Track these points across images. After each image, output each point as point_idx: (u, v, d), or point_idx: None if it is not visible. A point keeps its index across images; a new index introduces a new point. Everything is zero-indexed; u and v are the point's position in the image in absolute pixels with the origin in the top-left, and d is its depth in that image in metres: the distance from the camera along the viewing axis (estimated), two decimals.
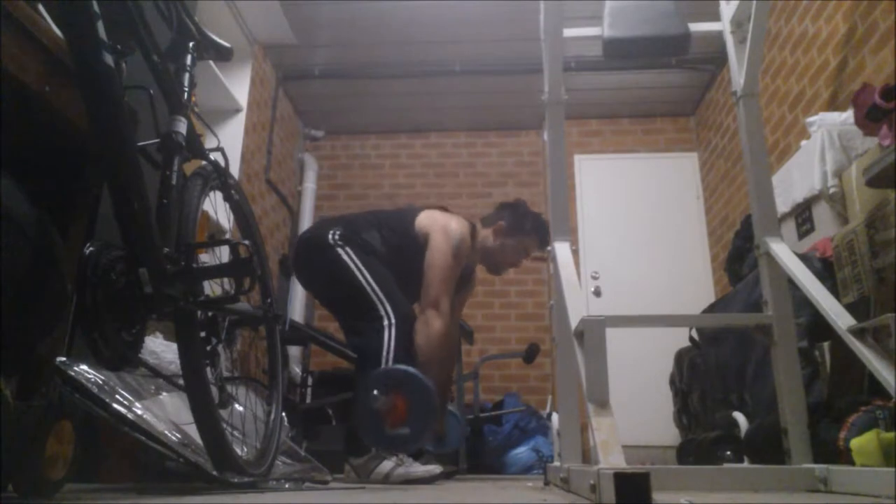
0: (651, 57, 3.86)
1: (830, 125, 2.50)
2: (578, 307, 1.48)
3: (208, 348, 1.42)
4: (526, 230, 2.59)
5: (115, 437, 1.73)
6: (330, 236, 2.39)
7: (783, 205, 2.65)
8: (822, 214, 2.44)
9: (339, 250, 2.35)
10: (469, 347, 3.92)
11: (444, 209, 2.57)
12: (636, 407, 4.07)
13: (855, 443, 1.47)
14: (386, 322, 2.24)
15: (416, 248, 2.40)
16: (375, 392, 1.89)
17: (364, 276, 2.30)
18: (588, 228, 4.98)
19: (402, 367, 2.02)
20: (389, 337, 2.22)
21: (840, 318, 1.45)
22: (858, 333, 1.39)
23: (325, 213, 5.24)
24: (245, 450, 1.63)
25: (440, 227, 2.40)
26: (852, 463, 1.47)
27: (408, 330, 2.26)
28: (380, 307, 2.27)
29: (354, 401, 2.00)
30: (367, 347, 2.24)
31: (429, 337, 2.25)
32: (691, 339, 3.10)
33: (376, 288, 2.29)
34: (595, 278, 4.84)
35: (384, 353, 2.20)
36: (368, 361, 2.20)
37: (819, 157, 2.43)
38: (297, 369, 4.22)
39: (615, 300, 4.70)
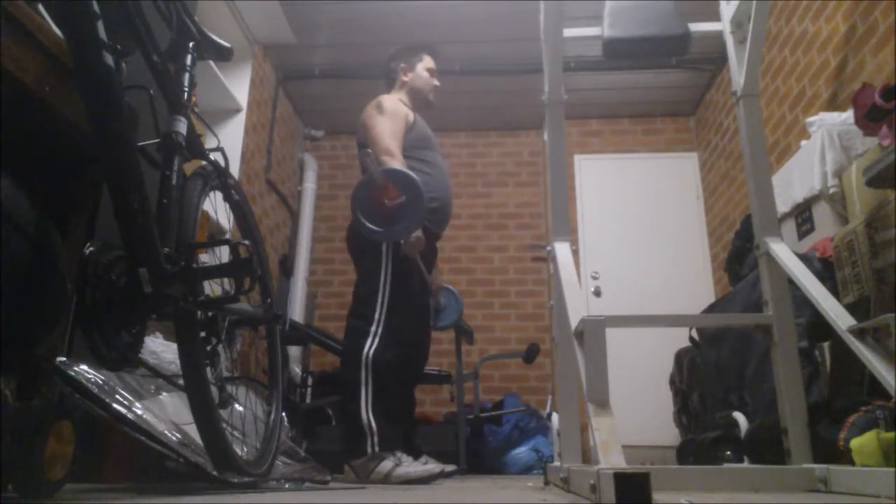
0: (651, 57, 3.86)
1: (830, 125, 2.50)
2: (578, 307, 1.48)
3: (208, 348, 1.42)
4: (415, 55, 2.79)
5: (115, 437, 1.73)
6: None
7: (783, 205, 2.65)
8: (822, 214, 2.44)
9: (385, 250, 2.37)
10: (469, 347, 3.93)
11: None
12: (636, 407, 4.07)
13: (855, 443, 1.47)
14: (373, 328, 2.29)
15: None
16: (375, 174, 2.15)
17: (386, 279, 2.34)
18: (588, 228, 4.98)
19: (391, 167, 2.26)
20: (371, 343, 2.27)
21: (840, 318, 1.45)
22: (858, 333, 1.39)
23: (325, 213, 5.25)
24: (245, 450, 1.63)
25: (364, 113, 2.58)
26: (852, 463, 1.47)
27: (388, 343, 2.29)
28: (377, 311, 2.30)
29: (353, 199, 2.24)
30: (351, 351, 2.32)
31: None
32: (691, 339, 3.10)
33: (387, 295, 2.32)
34: (595, 278, 4.84)
35: (363, 360, 2.25)
36: (350, 364, 2.30)
37: (819, 157, 2.43)
38: (297, 369, 4.22)
39: (615, 300, 4.70)
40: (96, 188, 1.35)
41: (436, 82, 2.79)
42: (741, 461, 2.15)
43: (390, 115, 2.52)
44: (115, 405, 1.28)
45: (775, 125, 3.61)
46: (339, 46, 4.46)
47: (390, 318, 2.31)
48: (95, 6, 1.08)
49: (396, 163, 2.34)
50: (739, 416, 2.31)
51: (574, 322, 1.40)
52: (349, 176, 5.38)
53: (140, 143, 1.27)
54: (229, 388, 1.51)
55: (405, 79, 2.76)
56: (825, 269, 2.10)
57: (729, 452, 2.24)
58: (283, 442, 2.02)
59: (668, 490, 1.33)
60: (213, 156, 1.57)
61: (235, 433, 1.67)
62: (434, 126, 2.78)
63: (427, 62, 2.78)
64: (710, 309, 3.09)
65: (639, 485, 0.83)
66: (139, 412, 1.34)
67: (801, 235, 2.60)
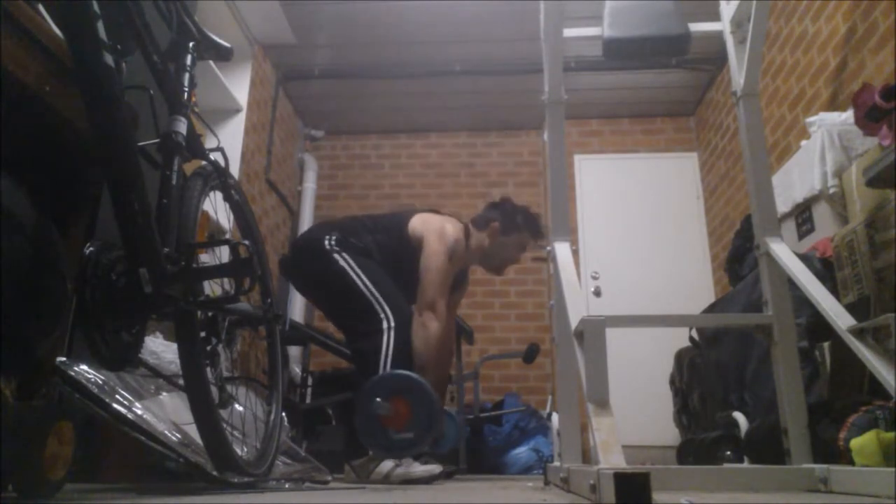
0: (651, 57, 3.86)
1: (830, 125, 2.50)
2: (578, 307, 1.48)
3: (208, 348, 1.42)
4: (519, 226, 2.59)
5: (115, 437, 1.73)
6: (326, 242, 2.38)
7: (783, 205, 2.65)
8: (822, 214, 2.44)
9: (336, 256, 2.34)
10: (469, 347, 3.93)
11: (435, 212, 2.58)
12: (636, 407, 4.07)
13: (855, 443, 1.47)
14: (385, 325, 2.25)
15: (411, 251, 2.40)
16: (378, 399, 1.90)
17: (362, 280, 2.31)
18: (588, 228, 4.98)
19: (403, 372, 2.04)
20: (388, 340, 2.24)
21: (840, 318, 1.45)
22: (858, 333, 1.39)
23: (325, 213, 5.25)
24: (245, 450, 1.63)
25: (434, 230, 2.40)
26: (852, 463, 1.47)
27: (407, 332, 2.26)
28: (379, 311, 2.27)
29: (355, 405, 2.02)
30: (367, 351, 2.25)
31: (426, 339, 2.25)
32: (691, 339, 3.10)
33: (374, 291, 2.29)
34: (595, 278, 4.84)
35: (382, 357, 2.22)
36: (368, 365, 2.22)
37: (819, 157, 2.43)
38: (297, 369, 4.22)
39: (615, 300, 4.70)
40: (96, 188, 1.35)
41: (518, 261, 2.66)
42: (741, 461, 2.15)
43: (453, 262, 2.39)
44: (115, 405, 1.28)
45: (775, 125, 3.61)
46: (339, 46, 4.46)
47: (395, 311, 2.28)
48: (95, 6, 1.08)
49: (436, 325, 2.25)
50: (739, 416, 2.31)
51: (574, 322, 1.40)
52: (349, 176, 5.39)
53: (140, 143, 1.27)
54: (229, 388, 1.50)
55: (491, 237, 2.55)
56: (825, 269, 2.10)
57: (729, 452, 2.24)
58: (283, 442, 2.02)
59: (668, 490, 1.33)
60: (213, 156, 1.56)
61: (235, 433, 1.67)
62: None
63: (525, 241, 2.61)
64: (710, 309, 3.09)
65: (639, 485, 0.83)
66: (139, 412, 1.34)
67: (801, 235, 2.60)
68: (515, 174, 5.32)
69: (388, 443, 1.93)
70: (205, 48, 1.59)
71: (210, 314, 1.45)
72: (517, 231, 2.59)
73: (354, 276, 2.31)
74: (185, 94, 1.46)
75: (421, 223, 2.45)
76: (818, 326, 1.95)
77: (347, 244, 2.38)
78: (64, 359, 1.22)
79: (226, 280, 1.38)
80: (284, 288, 4.63)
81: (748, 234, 2.62)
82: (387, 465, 2.15)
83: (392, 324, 2.25)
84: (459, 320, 3.26)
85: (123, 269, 1.17)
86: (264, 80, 4.50)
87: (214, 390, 1.40)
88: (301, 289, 2.70)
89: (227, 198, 1.72)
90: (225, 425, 1.43)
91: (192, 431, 1.40)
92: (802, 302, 1.79)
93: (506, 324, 4.96)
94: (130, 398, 1.36)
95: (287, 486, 1.64)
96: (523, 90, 4.66)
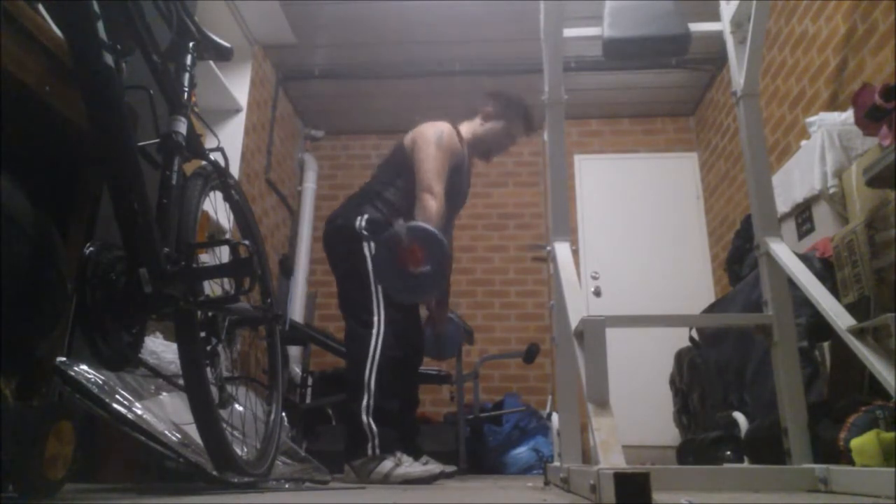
0: (651, 57, 3.86)
1: (830, 125, 2.50)
2: (578, 307, 1.48)
3: (208, 348, 1.42)
4: (511, 114, 2.65)
5: (115, 437, 1.73)
6: (357, 223, 2.42)
7: (783, 205, 2.65)
8: (822, 214, 2.44)
9: (364, 244, 2.37)
10: (469, 347, 3.92)
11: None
12: (636, 407, 4.07)
13: (855, 443, 1.47)
14: (374, 330, 2.28)
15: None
16: (400, 233, 2.08)
17: (375, 276, 2.34)
18: (588, 228, 4.98)
19: (414, 224, 2.18)
20: (375, 345, 2.26)
21: (840, 318, 1.45)
22: (858, 333, 1.39)
23: (325, 214, 5.22)
24: (245, 450, 1.63)
25: (422, 130, 2.49)
26: (852, 463, 1.47)
27: (394, 334, 2.29)
28: (374, 313, 2.30)
29: (377, 252, 2.19)
30: (355, 354, 2.31)
31: (426, 217, 2.30)
32: (691, 339, 3.10)
33: (380, 291, 2.31)
34: (595, 278, 4.84)
35: (368, 363, 2.24)
36: (354, 367, 2.28)
37: (819, 157, 2.43)
38: (297, 369, 4.22)
39: (615, 300, 4.70)
40: (96, 188, 1.35)
41: (507, 149, 2.71)
42: (741, 461, 2.15)
43: (445, 153, 2.44)
44: (115, 405, 1.28)
45: (775, 125, 3.61)
46: (339, 46, 4.46)
47: (389, 314, 2.30)
48: (95, 6, 1.08)
49: (435, 204, 2.30)
50: (739, 416, 2.31)
51: (574, 322, 1.40)
52: (349, 176, 5.38)
53: (140, 143, 1.27)
54: (229, 388, 1.50)
55: (483, 123, 2.65)
56: (825, 269, 2.10)
57: (729, 452, 2.24)
58: (283, 442, 2.02)
59: (668, 490, 1.33)
60: (213, 156, 1.56)
61: (235, 433, 1.67)
62: None
63: (514, 131, 2.67)
64: (710, 309, 3.09)
65: (639, 485, 0.83)
66: (139, 412, 1.34)
67: (801, 235, 2.60)
68: (515, 174, 5.32)
69: (408, 278, 2.10)
70: (205, 48, 1.59)
71: (210, 314, 1.45)
72: (508, 118, 2.64)
73: (370, 271, 2.34)
74: (185, 94, 1.46)
75: (411, 134, 2.53)
76: (818, 326, 1.95)
77: (376, 225, 2.39)
78: (64, 359, 1.22)
79: (226, 280, 1.38)
80: (284, 288, 4.63)
81: (748, 234, 2.62)
82: (387, 465, 2.15)
83: (381, 328, 2.28)
84: (459, 320, 3.26)
85: (123, 269, 1.17)
86: (264, 80, 4.50)
87: (214, 390, 1.40)
88: (330, 265, 2.70)
89: (227, 198, 1.72)
90: (225, 425, 1.43)
91: (192, 431, 1.40)
92: (802, 302, 1.79)
93: (506, 324, 4.96)
94: (130, 398, 1.36)
95: (287, 486, 1.64)
96: (523, 90, 4.64)
